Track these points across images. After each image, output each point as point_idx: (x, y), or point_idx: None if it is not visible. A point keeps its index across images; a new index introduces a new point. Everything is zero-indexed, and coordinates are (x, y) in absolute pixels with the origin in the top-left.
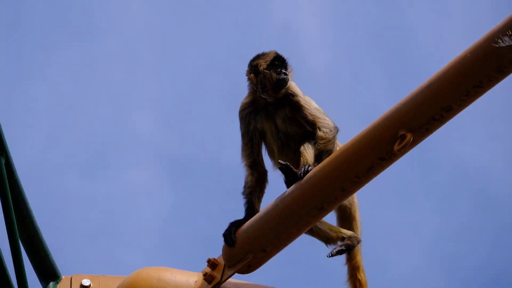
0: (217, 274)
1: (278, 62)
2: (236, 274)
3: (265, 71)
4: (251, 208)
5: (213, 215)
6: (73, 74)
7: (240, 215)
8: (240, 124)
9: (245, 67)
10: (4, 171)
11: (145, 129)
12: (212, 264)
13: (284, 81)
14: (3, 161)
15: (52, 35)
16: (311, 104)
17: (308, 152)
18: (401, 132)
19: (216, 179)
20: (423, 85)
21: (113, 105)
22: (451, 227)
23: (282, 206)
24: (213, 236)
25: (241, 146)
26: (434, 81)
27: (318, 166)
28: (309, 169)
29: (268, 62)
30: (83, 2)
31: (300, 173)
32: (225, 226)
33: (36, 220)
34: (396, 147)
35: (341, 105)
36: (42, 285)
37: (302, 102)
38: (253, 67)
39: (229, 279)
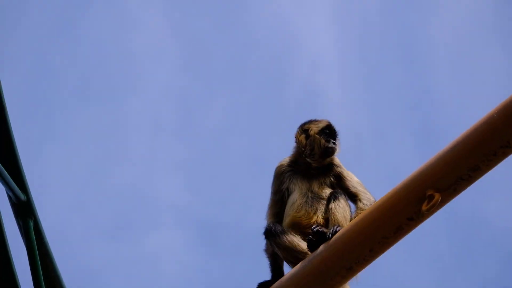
0: None
1: (329, 131)
2: None
3: (316, 135)
4: (276, 266)
5: (239, 278)
6: (97, 136)
7: (266, 276)
8: (274, 180)
9: (267, 128)
10: (33, 234)
11: (170, 192)
12: None
13: (332, 150)
14: (31, 225)
15: (74, 97)
16: (353, 177)
17: (338, 212)
18: (429, 192)
19: (241, 242)
20: (450, 145)
21: (136, 168)
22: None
23: (311, 267)
24: None
25: (270, 203)
26: (461, 141)
27: (346, 226)
28: (338, 229)
29: (319, 128)
30: (105, 64)
31: (329, 234)
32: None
33: (65, 284)
34: (424, 207)
35: (367, 165)
36: None
37: (345, 174)
38: (304, 130)
39: None
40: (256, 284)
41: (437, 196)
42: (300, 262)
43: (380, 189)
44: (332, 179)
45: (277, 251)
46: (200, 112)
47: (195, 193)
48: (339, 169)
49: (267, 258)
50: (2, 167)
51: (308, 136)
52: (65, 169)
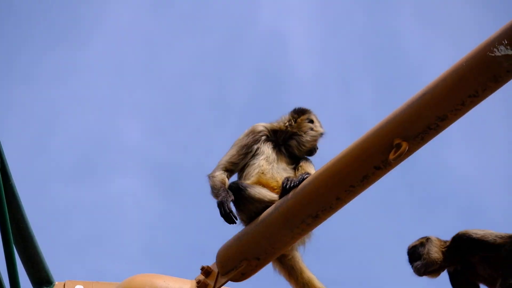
0: (211, 282)
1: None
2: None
3: (318, 134)
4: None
5: (200, 222)
6: (60, 79)
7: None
8: (248, 135)
9: (230, 74)
10: (0, 175)
11: (132, 137)
12: (205, 271)
13: (315, 152)
14: None
15: (39, 39)
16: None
17: (309, 166)
18: (397, 141)
19: (203, 186)
20: (418, 94)
21: (100, 112)
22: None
23: (277, 214)
24: (201, 244)
25: (230, 152)
26: (429, 90)
27: (313, 175)
28: (306, 176)
29: (322, 130)
30: (69, 6)
31: (297, 181)
32: (212, 233)
33: (31, 226)
34: (391, 156)
35: (329, 113)
36: None
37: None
38: (311, 121)
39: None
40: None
41: (405, 145)
42: (267, 210)
43: (342, 138)
44: (296, 166)
45: (241, 205)
46: (164, 55)
47: (157, 138)
48: (306, 163)
49: (218, 191)
50: None
51: (312, 128)
52: (27, 111)
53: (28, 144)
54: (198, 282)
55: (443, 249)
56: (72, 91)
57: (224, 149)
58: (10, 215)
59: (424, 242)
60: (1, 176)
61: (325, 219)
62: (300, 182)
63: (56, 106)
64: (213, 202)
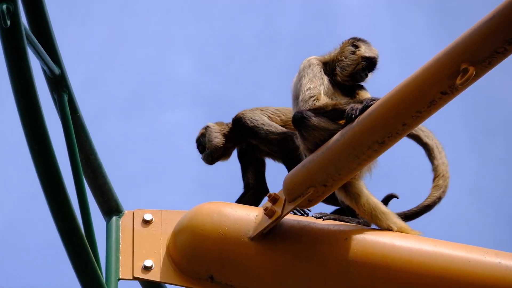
0: (278, 209)
1: (371, 63)
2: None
3: (360, 57)
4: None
5: None
6: (111, 16)
7: None
8: (309, 68)
9: (280, 6)
10: (67, 107)
11: (184, 71)
12: (272, 198)
13: (361, 79)
14: (66, 98)
15: None
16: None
17: (364, 93)
18: (463, 66)
19: None
20: (486, 17)
21: (151, 47)
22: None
23: (343, 141)
24: None
25: (306, 82)
26: (497, 13)
27: (378, 101)
28: (372, 103)
29: (366, 55)
30: None
31: (364, 104)
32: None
33: (99, 156)
34: (458, 81)
35: (380, 43)
36: (105, 219)
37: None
38: (354, 45)
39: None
40: None
41: (472, 70)
42: (332, 137)
43: (394, 68)
44: (352, 96)
45: (306, 134)
46: None
47: (208, 71)
48: (362, 91)
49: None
50: (36, 41)
51: (353, 52)
52: (79, 49)
53: (82, 81)
54: (266, 209)
55: (226, 132)
56: (123, 28)
57: (277, 82)
58: (78, 146)
59: (204, 132)
60: (69, 108)
61: (391, 145)
62: (364, 109)
63: (108, 43)
64: None
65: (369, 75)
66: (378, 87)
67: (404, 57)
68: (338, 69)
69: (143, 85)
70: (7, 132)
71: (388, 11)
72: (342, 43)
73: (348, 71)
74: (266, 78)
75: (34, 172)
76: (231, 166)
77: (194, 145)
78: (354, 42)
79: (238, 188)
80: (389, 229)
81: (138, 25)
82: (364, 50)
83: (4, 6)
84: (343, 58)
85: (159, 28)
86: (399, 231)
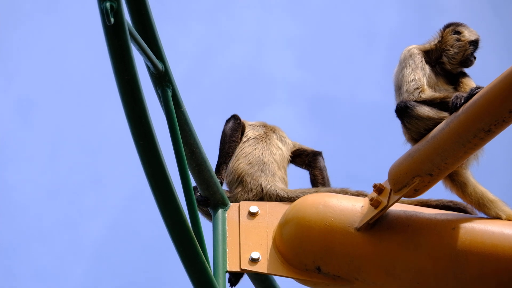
0: (384, 199)
1: (475, 46)
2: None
3: (466, 43)
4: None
5: (353, 150)
6: (210, 16)
7: (380, 148)
8: (411, 58)
9: (377, 2)
10: (172, 102)
11: (283, 69)
12: (378, 189)
13: (471, 63)
14: (170, 93)
15: None
16: (473, 84)
17: (468, 81)
18: None
19: (354, 115)
20: None
21: (250, 46)
22: None
23: (448, 130)
24: (357, 171)
25: (409, 72)
26: None
27: (483, 89)
28: (476, 91)
29: (471, 39)
30: None
31: (469, 94)
32: (366, 160)
33: (204, 150)
34: None
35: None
36: (211, 213)
37: (468, 81)
38: (456, 32)
39: (396, 204)
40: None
41: None
42: (437, 127)
43: (497, 59)
44: (456, 84)
45: (409, 124)
46: None
47: (307, 69)
48: (465, 78)
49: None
50: (140, 38)
51: (458, 39)
52: (179, 48)
53: (181, 80)
54: (371, 200)
55: None
56: (222, 27)
57: (375, 77)
58: (183, 140)
59: None
60: (173, 103)
61: (498, 132)
62: (469, 97)
63: (206, 42)
64: (362, 130)
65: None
66: (479, 76)
67: (507, 48)
68: (445, 58)
69: (242, 83)
70: (111, 134)
71: (488, 2)
72: (441, 31)
73: (458, 59)
74: (365, 75)
75: (136, 175)
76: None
77: (294, 139)
78: (456, 29)
79: (343, 184)
80: (497, 217)
81: (235, 24)
82: (468, 35)
83: (108, 4)
84: (448, 47)
85: (257, 26)
86: (508, 219)
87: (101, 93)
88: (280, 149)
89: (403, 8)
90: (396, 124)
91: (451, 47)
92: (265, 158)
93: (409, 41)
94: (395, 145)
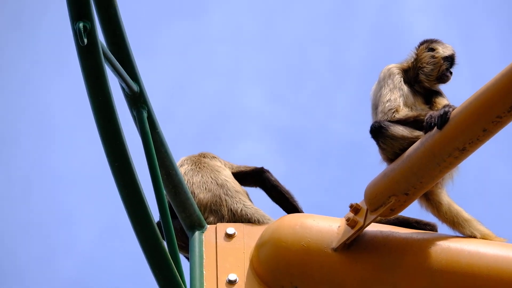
0: (360, 219)
1: (451, 60)
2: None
3: (441, 59)
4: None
5: (324, 186)
6: (181, 51)
7: (351, 181)
8: (390, 78)
9: (346, 36)
10: (147, 124)
11: (254, 103)
12: (354, 209)
13: (447, 79)
14: (145, 115)
15: (157, 13)
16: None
17: (442, 100)
18: None
19: (326, 148)
20: None
21: (221, 80)
22: None
23: (424, 149)
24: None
25: (386, 92)
26: None
27: (459, 107)
28: (449, 110)
29: (445, 54)
30: None
31: (444, 113)
32: (335, 195)
33: (180, 172)
34: None
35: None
36: (188, 234)
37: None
38: (430, 49)
39: (372, 224)
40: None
41: None
42: (412, 146)
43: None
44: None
45: (384, 145)
46: (280, 21)
47: (278, 102)
48: (438, 98)
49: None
50: (115, 59)
51: (433, 56)
52: (150, 83)
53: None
54: (348, 220)
55: None
56: (192, 62)
57: (347, 110)
58: (159, 162)
59: None
60: (149, 124)
61: (472, 151)
62: (443, 115)
63: (177, 77)
64: (334, 162)
65: (452, 71)
66: (451, 96)
67: (476, 76)
68: (422, 76)
69: (214, 117)
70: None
71: (458, 36)
72: (416, 49)
73: (434, 75)
74: (335, 108)
75: (109, 210)
76: (307, 197)
77: None
78: (429, 46)
79: None
80: (472, 236)
81: (206, 58)
82: (442, 51)
83: (81, 24)
84: (424, 64)
85: (227, 60)
86: (483, 238)
87: (72, 126)
88: (222, 167)
89: (372, 40)
90: (368, 152)
91: (427, 64)
92: (218, 180)
93: (378, 72)
94: (367, 177)
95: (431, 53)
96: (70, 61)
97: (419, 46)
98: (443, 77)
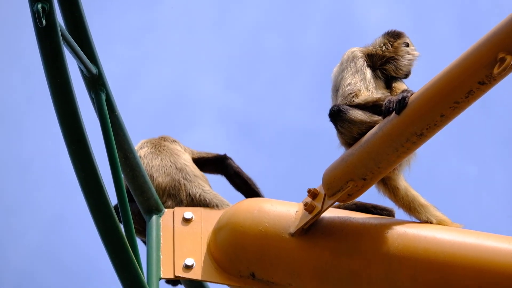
0: (318, 204)
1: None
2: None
3: (415, 57)
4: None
5: (278, 174)
6: (134, 39)
7: (307, 169)
8: (353, 61)
9: (301, 25)
10: (105, 106)
11: (208, 90)
12: (312, 194)
13: (410, 74)
14: (104, 97)
15: (111, 3)
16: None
17: (402, 86)
18: (501, 55)
19: (280, 137)
20: None
21: (175, 68)
22: None
23: (382, 134)
24: (280, 191)
25: (347, 75)
26: None
27: (417, 92)
28: (407, 95)
29: (418, 54)
30: None
31: (402, 97)
32: (288, 185)
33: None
34: (495, 70)
35: None
36: (145, 218)
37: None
38: (407, 44)
39: (329, 209)
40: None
41: (509, 59)
42: (370, 131)
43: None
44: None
45: (342, 128)
46: (235, 8)
47: (232, 90)
48: (397, 83)
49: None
50: (73, 41)
51: (408, 52)
52: (108, 68)
53: None
54: (305, 205)
55: None
56: (146, 50)
57: (301, 99)
58: (117, 145)
59: None
60: (107, 107)
61: (430, 136)
62: (401, 100)
63: (131, 64)
64: (288, 152)
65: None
66: (409, 82)
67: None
68: (392, 66)
69: (170, 103)
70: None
71: (410, 25)
72: (389, 38)
73: (404, 71)
74: (289, 96)
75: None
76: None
77: None
78: (405, 41)
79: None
80: (428, 221)
81: (160, 45)
82: (414, 50)
83: (40, 6)
84: (399, 57)
85: (182, 47)
86: (439, 224)
87: (22, 112)
88: (181, 151)
89: (327, 28)
90: (324, 140)
91: (402, 57)
92: (177, 164)
93: (333, 62)
94: (323, 164)
95: (407, 49)
96: (28, 44)
97: (393, 37)
98: (409, 74)
